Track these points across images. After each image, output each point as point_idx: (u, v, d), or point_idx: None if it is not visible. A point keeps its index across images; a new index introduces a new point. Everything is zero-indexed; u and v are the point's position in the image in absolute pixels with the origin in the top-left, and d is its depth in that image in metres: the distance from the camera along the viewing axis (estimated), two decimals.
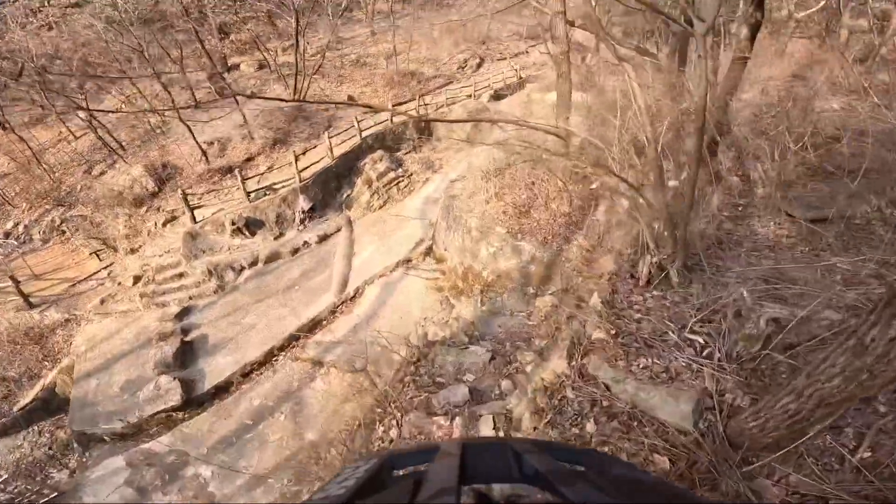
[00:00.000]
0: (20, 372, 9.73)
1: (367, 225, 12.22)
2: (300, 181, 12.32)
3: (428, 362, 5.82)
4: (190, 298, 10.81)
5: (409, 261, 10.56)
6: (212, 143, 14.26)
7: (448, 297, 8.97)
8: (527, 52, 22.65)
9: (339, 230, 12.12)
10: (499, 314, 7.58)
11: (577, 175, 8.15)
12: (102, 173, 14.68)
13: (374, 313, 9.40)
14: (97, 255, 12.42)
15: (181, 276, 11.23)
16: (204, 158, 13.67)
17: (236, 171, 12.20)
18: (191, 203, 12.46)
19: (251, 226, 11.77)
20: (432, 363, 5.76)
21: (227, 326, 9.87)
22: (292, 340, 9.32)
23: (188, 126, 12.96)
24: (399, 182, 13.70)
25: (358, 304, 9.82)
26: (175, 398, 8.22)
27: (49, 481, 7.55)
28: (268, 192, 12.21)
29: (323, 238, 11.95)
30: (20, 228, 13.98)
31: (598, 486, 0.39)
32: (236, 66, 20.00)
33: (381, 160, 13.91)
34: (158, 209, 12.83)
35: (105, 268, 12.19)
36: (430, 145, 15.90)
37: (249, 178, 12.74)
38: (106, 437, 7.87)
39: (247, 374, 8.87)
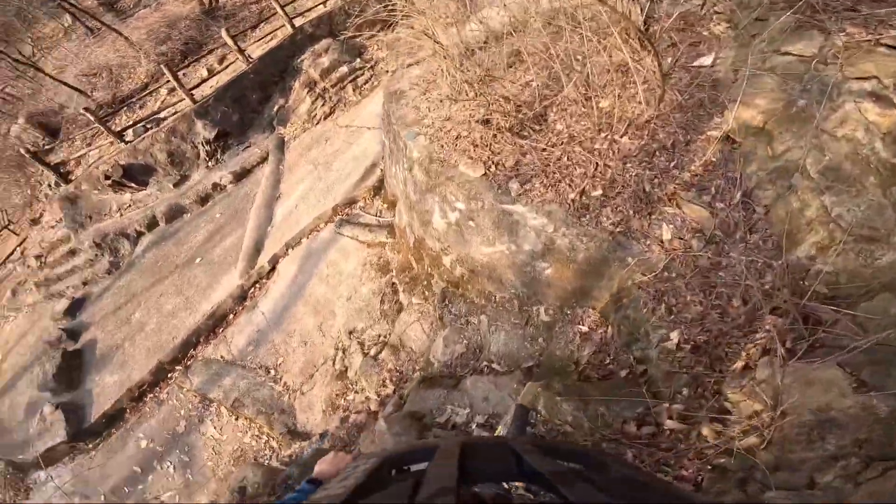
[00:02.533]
0: None
1: (303, 147, 8.13)
2: (193, 102, 8.24)
3: None
4: (84, 284, 8.06)
5: (352, 202, 6.55)
6: (95, 73, 10.26)
7: (396, 283, 5.06)
8: None
9: (264, 159, 8.21)
10: (474, 358, 3.72)
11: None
12: None
13: (285, 310, 5.91)
14: (10, 231, 9.95)
15: (73, 253, 8.40)
16: (83, 94, 9.89)
17: (81, 110, 8.41)
18: (69, 157, 9.19)
19: (136, 174, 8.27)
20: None
21: (115, 327, 7.08)
22: (185, 350, 6.28)
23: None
24: (357, 77, 8.99)
25: (269, 288, 6.31)
26: (60, 433, 6.03)
27: None
28: (149, 127, 8.39)
29: (241, 174, 8.21)
30: None
31: (598, 486, 0.38)
32: None
33: (326, 52, 9.11)
34: (59, 164, 9.65)
35: (19, 245, 9.75)
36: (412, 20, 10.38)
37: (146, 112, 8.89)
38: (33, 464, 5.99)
39: (136, 398, 6.16)
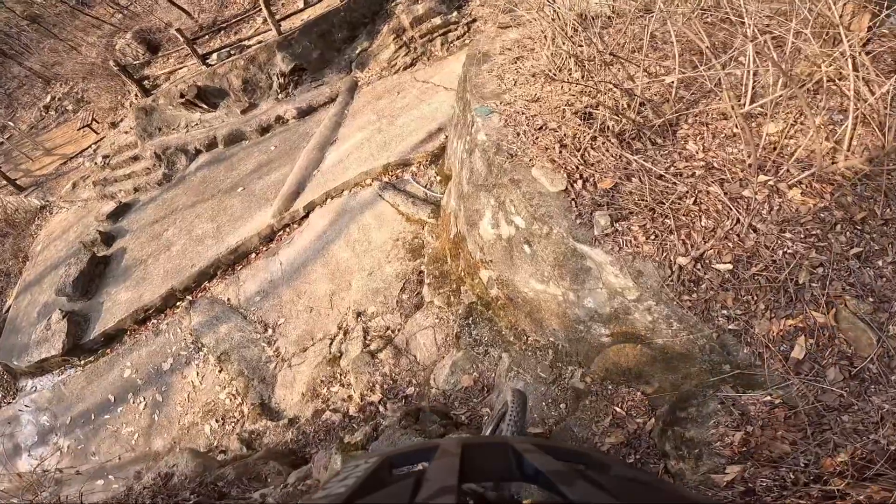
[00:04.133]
0: None
1: (373, 95, 7.29)
2: (278, 34, 7.69)
3: None
4: (135, 190, 7.97)
5: (406, 165, 5.58)
6: None
7: (424, 272, 4.02)
8: None
9: (332, 100, 7.51)
10: (478, 398, 2.96)
11: None
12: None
13: (303, 266, 5.11)
14: (91, 129, 10.32)
15: (135, 159, 8.36)
16: (188, 15, 9.83)
17: (173, 30, 8.13)
18: (158, 72, 9.17)
19: (210, 96, 7.95)
20: None
21: (146, 240, 6.80)
22: (200, 281, 5.76)
23: None
24: (448, 32, 7.95)
25: (294, 237, 5.56)
26: (57, 346, 5.82)
27: None
28: (232, 53, 8.00)
29: (306, 111, 7.57)
30: (55, 101, 12.80)
31: (599, 486, 0.37)
32: None
33: None
34: (144, 79, 9.76)
35: (95, 143, 10.07)
36: None
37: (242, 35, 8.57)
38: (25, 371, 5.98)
39: (139, 321, 5.79)
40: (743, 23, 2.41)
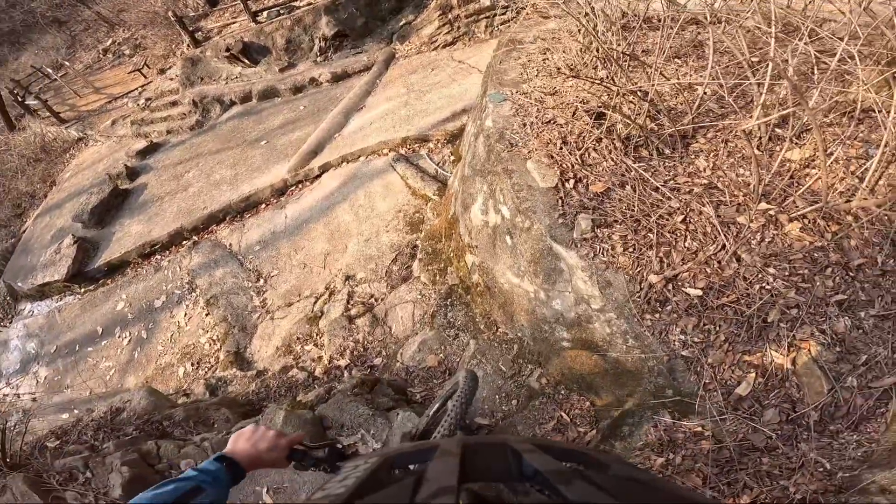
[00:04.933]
0: (24, 192, 8.89)
1: (408, 69, 7.17)
2: None
3: None
4: (168, 132, 8.16)
5: (424, 140, 5.43)
6: None
7: (418, 247, 3.87)
8: None
9: (367, 69, 7.44)
10: (438, 379, 2.82)
11: None
12: None
13: (305, 222, 5.04)
14: (142, 73, 10.68)
15: (174, 104, 8.56)
16: None
17: None
18: (212, 25, 9.37)
19: (253, 53, 8.04)
20: None
21: (168, 180, 6.94)
22: (208, 223, 5.81)
23: None
24: (496, 15, 7.73)
25: (304, 194, 5.51)
26: (62, 270, 5.99)
27: None
28: (282, 12, 8.07)
29: (340, 77, 7.53)
30: (115, 45, 13.34)
31: (598, 486, 0.37)
32: None
33: None
34: (197, 30, 10.01)
35: (142, 86, 10.42)
36: None
37: None
38: (27, 293, 6.19)
39: (144, 255, 5.89)
40: (788, 38, 2.16)
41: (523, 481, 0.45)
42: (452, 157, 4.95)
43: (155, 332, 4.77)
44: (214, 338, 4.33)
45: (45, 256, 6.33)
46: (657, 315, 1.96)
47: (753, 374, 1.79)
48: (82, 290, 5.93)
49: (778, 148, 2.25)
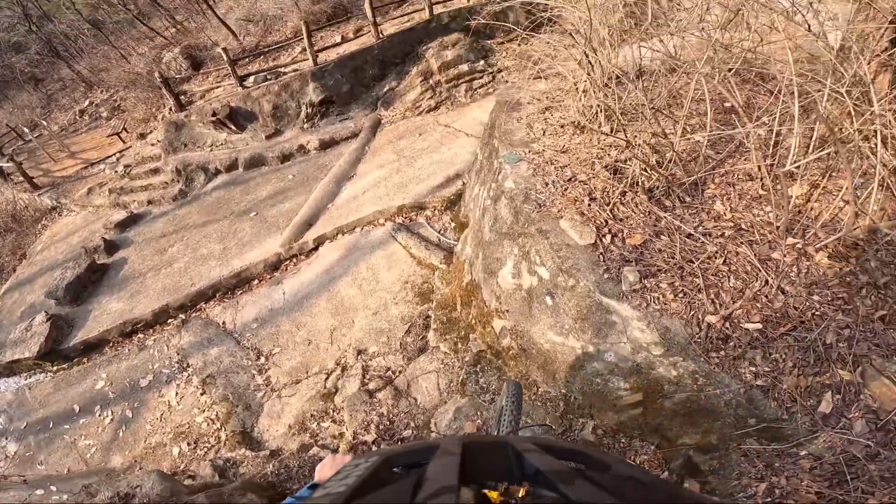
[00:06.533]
0: None
1: (395, 134, 7.41)
2: (314, 64, 7.99)
3: None
4: (149, 203, 7.97)
5: (421, 208, 5.54)
6: (252, 19, 10.72)
7: (431, 318, 3.89)
8: None
9: (355, 135, 7.63)
10: None
11: None
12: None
13: (306, 298, 4.96)
14: (120, 138, 10.55)
15: (155, 172, 8.44)
16: (234, 37, 10.31)
17: (220, 50, 8.41)
18: (196, 89, 9.49)
19: (240, 118, 8.14)
20: None
21: (151, 254, 6.70)
22: (196, 301, 5.59)
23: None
24: (474, 79, 8.24)
25: (301, 268, 5.44)
26: (32, 348, 5.59)
27: None
28: (268, 77, 8.27)
29: (328, 144, 7.67)
30: (92, 106, 13.24)
31: (599, 485, 0.37)
32: None
33: (453, 46, 8.51)
34: (182, 94, 10.08)
35: (120, 151, 10.26)
36: (550, 35, 9.48)
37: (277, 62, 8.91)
38: None
39: (125, 334, 5.57)
40: (773, 81, 2.42)
41: (525, 481, 0.45)
42: (454, 224, 5.04)
43: (142, 412, 4.47)
44: (213, 417, 4.09)
45: (15, 333, 5.89)
46: (722, 352, 2.06)
47: (829, 393, 1.91)
48: (55, 368, 5.52)
49: (779, 186, 2.42)
